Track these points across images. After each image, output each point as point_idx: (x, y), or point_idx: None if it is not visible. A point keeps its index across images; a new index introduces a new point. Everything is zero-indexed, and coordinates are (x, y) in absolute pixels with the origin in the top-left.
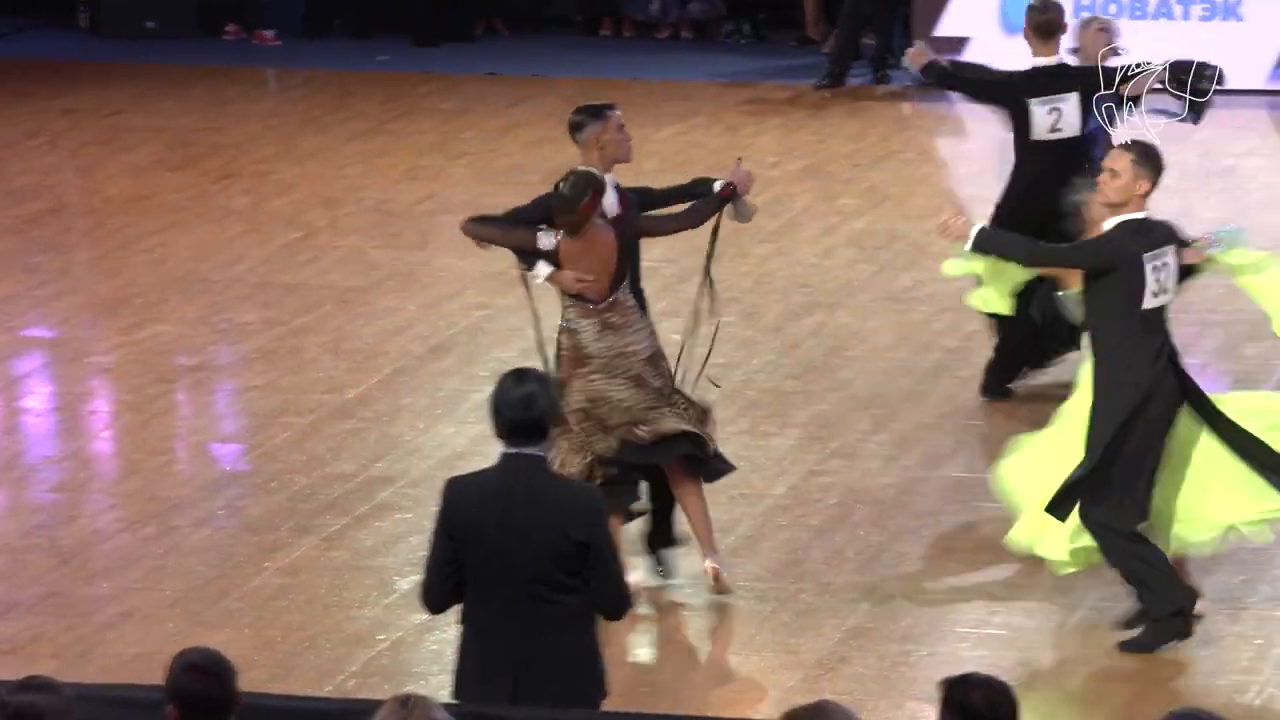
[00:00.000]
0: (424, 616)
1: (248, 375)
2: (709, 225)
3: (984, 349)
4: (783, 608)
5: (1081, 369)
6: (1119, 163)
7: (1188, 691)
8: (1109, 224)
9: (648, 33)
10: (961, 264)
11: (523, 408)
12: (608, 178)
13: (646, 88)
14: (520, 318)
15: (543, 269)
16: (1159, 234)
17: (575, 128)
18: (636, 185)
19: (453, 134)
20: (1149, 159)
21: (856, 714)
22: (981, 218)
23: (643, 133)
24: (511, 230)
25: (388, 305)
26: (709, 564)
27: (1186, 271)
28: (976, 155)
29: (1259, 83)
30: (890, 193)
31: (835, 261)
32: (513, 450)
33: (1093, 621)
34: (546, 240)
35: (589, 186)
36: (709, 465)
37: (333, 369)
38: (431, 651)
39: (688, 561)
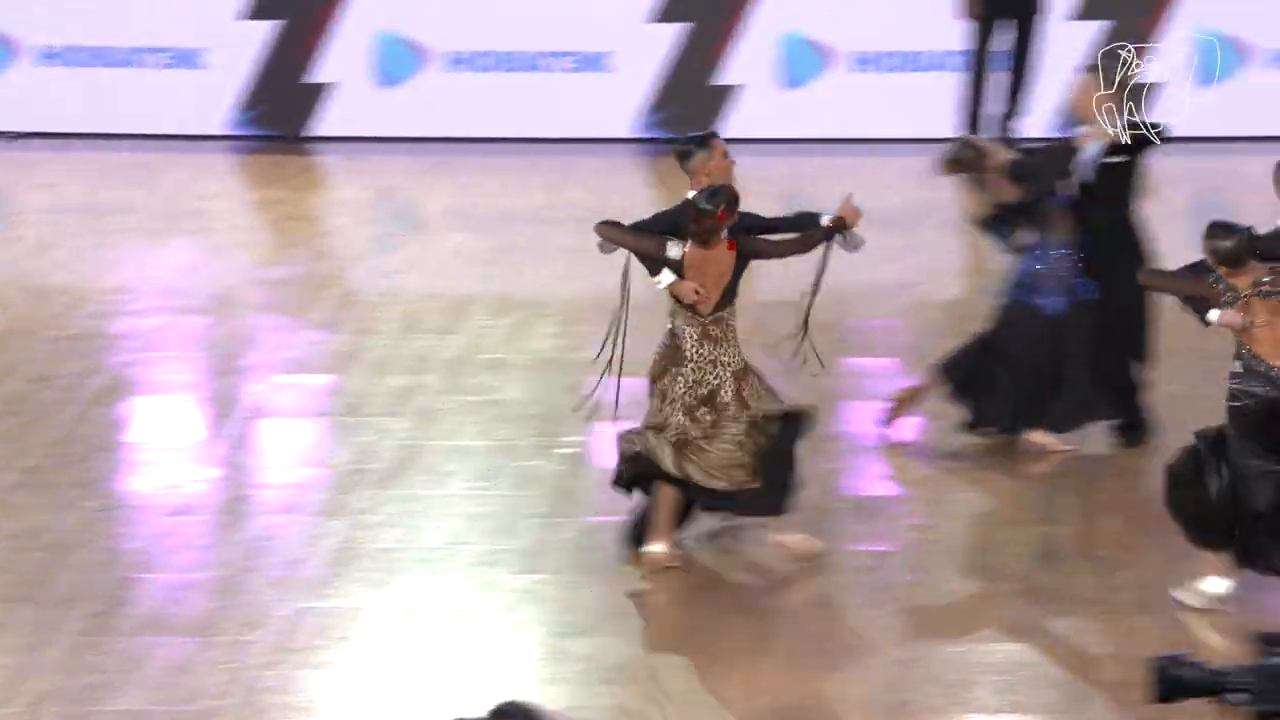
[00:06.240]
0: None
1: None
2: (816, 255)
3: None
4: None
5: None
6: None
7: None
8: None
9: None
10: None
11: None
12: None
13: None
14: None
15: (666, 276)
16: None
17: (683, 156)
18: (743, 209)
19: None
20: None
21: None
22: None
23: None
24: (642, 237)
25: None
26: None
27: None
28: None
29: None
30: None
31: None
32: None
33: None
34: (674, 250)
35: (725, 198)
36: (759, 504)
37: None
38: None
39: None
